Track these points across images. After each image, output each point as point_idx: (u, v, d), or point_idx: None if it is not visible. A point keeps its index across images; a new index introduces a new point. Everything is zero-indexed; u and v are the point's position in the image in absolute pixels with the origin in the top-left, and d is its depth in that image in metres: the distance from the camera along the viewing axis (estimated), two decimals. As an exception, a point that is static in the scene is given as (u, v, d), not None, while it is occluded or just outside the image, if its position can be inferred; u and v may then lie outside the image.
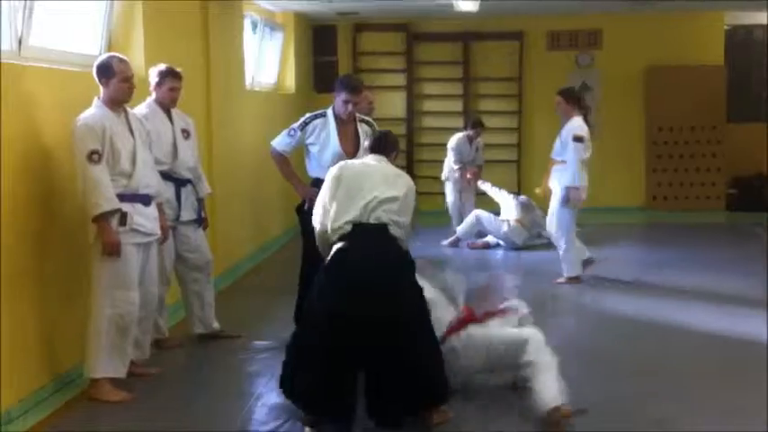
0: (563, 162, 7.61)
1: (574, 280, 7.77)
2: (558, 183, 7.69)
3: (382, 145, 4.76)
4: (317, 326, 4.29)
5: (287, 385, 4.44)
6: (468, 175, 10.15)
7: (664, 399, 4.84)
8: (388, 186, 4.44)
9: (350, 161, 4.87)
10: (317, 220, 4.54)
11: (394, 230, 4.36)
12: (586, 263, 7.91)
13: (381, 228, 4.33)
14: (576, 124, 7.55)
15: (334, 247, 4.35)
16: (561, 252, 7.81)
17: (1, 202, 4.37)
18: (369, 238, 4.31)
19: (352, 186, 4.43)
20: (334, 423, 4.30)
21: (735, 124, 12.62)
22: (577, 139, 7.48)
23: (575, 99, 7.73)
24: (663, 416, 4.57)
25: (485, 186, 10.34)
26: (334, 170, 4.57)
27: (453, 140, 10.18)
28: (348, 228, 4.33)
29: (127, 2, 6.14)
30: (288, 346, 4.54)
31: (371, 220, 4.32)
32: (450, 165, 10.21)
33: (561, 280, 7.80)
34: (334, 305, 4.23)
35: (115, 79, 4.79)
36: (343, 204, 4.39)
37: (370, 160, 4.69)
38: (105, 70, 4.81)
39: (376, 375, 4.27)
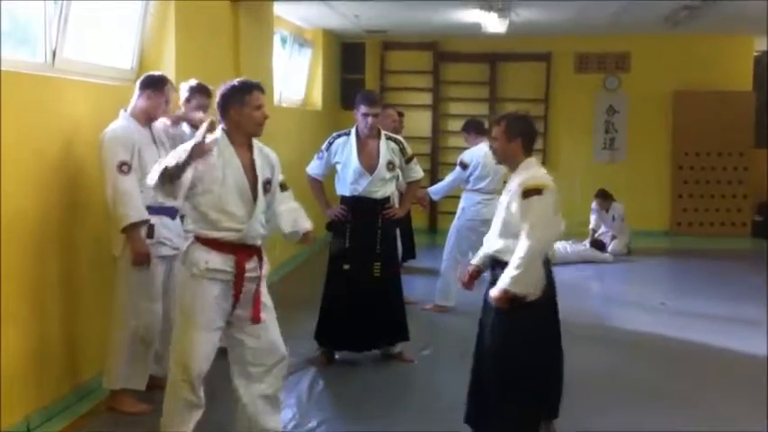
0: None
1: (441, 309, 7.51)
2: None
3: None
4: None
5: None
6: None
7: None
8: None
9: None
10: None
11: None
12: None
13: None
14: (468, 150, 7.62)
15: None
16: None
17: (32, 211, 4.45)
18: None
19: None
20: None
21: (762, 150, 12.54)
22: (459, 163, 7.58)
23: (475, 128, 7.76)
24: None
25: None
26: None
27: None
28: None
29: (159, 16, 6.22)
30: None
31: None
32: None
33: (428, 306, 7.59)
34: None
35: (159, 97, 4.86)
36: None
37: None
38: (155, 83, 4.87)
39: None
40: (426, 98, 12.86)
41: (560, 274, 9.20)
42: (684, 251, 11.60)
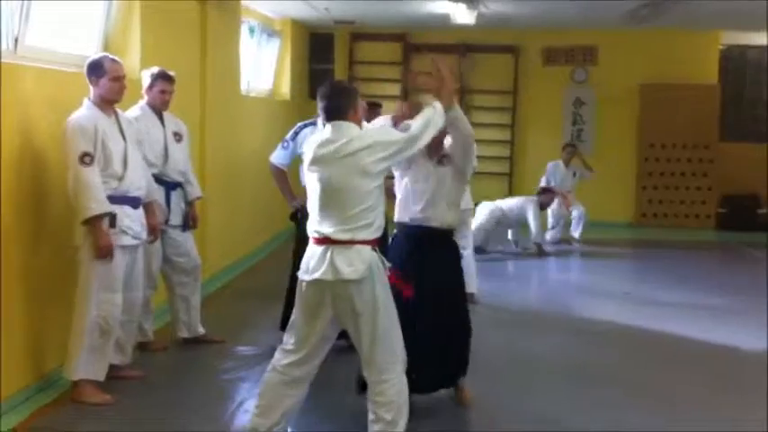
0: None
1: None
2: None
3: None
4: None
5: None
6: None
7: (653, 410, 4.91)
8: None
9: None
10: None
11: None
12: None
13: None
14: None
15: None
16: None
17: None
18: None
19: None
20: None
21: (727, 143, 12.69)
22: None
23: None
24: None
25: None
26: None
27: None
28: None
29: (124, 3, 6.16)
30: None
31: None
32: None
33: None
34: None
35: (105, 78, 4.78)
36: None
37: None
38: (96, 68, 4.81)
39: None
40: (395, 89, 12.84)
41: (527, 264, 9.40)
42: (649, 242, 11.74)
